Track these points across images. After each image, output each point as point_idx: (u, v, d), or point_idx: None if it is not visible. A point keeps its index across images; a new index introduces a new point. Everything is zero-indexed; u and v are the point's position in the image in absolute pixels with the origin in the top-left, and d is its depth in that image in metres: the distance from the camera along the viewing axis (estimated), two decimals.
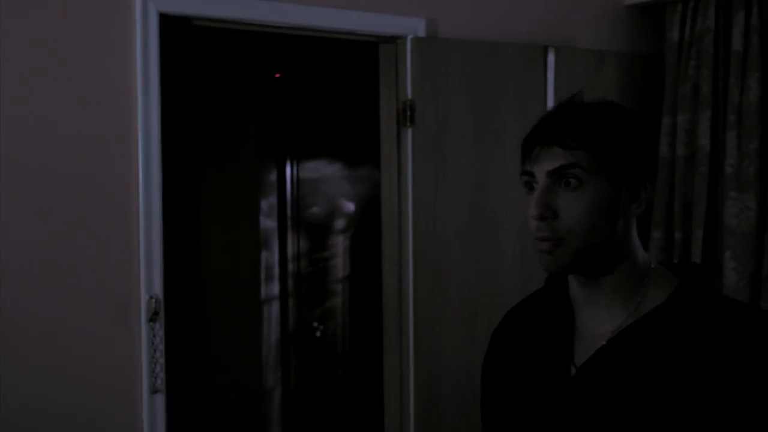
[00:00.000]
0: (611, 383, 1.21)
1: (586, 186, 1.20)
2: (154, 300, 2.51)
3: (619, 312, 1.26)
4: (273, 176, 4.49)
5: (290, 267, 4.53)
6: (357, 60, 3.62)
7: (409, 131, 2.96)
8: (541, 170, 1.23)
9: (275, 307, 4.49)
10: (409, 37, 2.94)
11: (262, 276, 4.43)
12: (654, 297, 1.25)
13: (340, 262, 4.65)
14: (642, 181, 1.25)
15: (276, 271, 4.49)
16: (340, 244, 4.66)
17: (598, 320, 1.27)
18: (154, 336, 2.51)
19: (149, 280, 2.51)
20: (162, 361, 2.53)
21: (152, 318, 2.51)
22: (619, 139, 1.22)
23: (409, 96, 2.95)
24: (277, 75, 4.45)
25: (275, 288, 4.49)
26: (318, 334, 4.59)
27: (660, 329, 1.21)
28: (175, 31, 2.62)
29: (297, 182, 4.54)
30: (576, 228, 1.21)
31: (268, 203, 4.47)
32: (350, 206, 4.64)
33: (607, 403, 1.20)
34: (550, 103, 3.10)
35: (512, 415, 1.33)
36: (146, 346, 2.51)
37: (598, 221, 1.21)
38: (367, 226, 4.11)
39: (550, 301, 1.36)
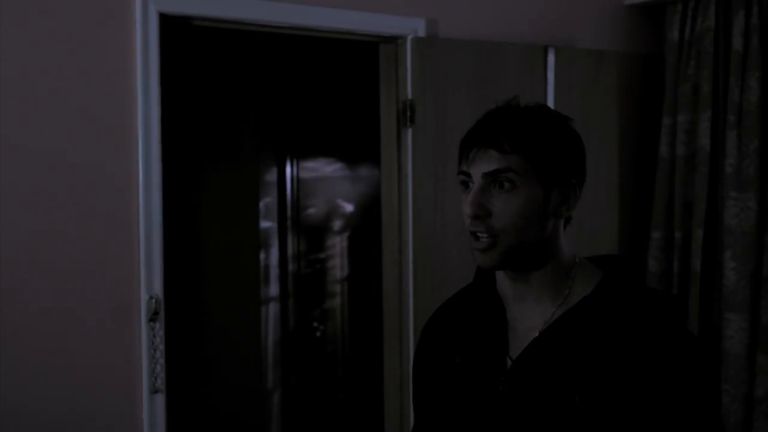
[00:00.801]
0: (547, 372, 1.29)
1: (519, 188, 1.28)
2: (154, 300, 2.51)
3: (548, 305, 1.34)
4: (273, 176, 4.50)
5: (290, 267, 4.53)
6: (357, 60, 3.62)
7: (409, 131, 2.96)
8: (477, 171, 1.30)
9: (275, 307, 4.49)
10: (409, 37, 2.94)
11: (262, 276, 4.44)
12: (580, 289, 1.34)
13: (339, 262, 4.65)
14: (572, 184, 1.33)
15: (276, 270, 4.49)
16: (339, 244, 4.66)
17: (529, 313, 1.35)
18: (154, 336, 2.51)
19: (149, 280, 2.51)
20: (162, 361, 2.53)
21: (152, 318, 2.51)
22: (552, 145, 1.30)
23: (409, 96, 2.95)
24: (277, 75, 4.45)
25: (275, 288, 4.49)
26: (318, 334, 4.60)
27: (588, 318, 1.30)
28: (175, 30, 2.62)
29: (297, 182, 4.54)
30: (509, 226, 1.29)
31: (267, 203, 4.47)
32: (350, 206, 4.64)
33: (545, 390, 1.28)
34: (550, 103, 3.09)
35: (449, 409, 1.38)
36: (146, 346, 2.51)
37: (529, 221, 1.29)
38: (367, 226, 4.11)
39: (479, 297, 1.43)
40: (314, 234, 4.60)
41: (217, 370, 4.18)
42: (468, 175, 1.32)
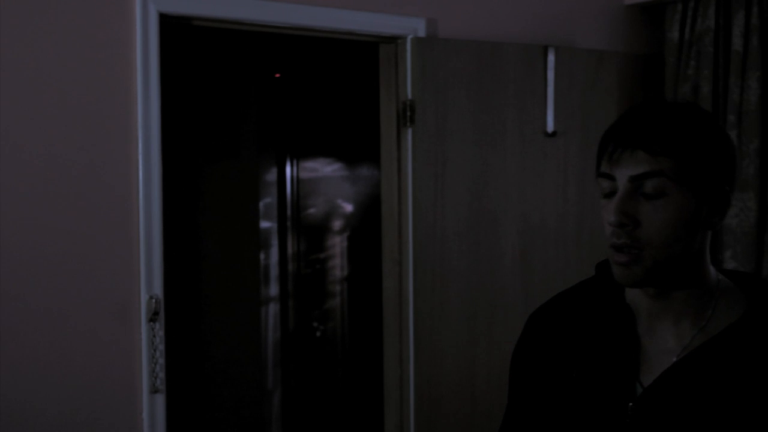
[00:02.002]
0: (683, 405, 1.15)
1: (671, 195, 1.14)
2: (154, 300, 2.51)
3: (687, 328, 1.19)
4: (273, 176, 4.50)
5: (290, 267, 4.53)
6: (357, 60, 3.62)
7: (409, 131, 2.96)
8: (623, 175, 1.15)
9: (275, 307, 4.49)
10: (409, 37, 2.94)
11: (262, 276, 4.44)
12: (725, 314, 1.19)
13: (339, 262, 4.65)
14: (725, 192, 1.18)
15: (276, 271, 4.49)
16: (339, 244, 4.66)
17: (664, 334, 1.21)
18: (153, 336, 2.51)
19: (149, 280, 2.51)
20: (162, 361, 2.53)
21: (152, 318, 2.51)
22: (706, 148, 1.16)
23: (409, 96, 2.95)
24: (277, 75, 4.46)
25: (275, 288, 4.49)
26: (318, 334, 4.60)
27: (734, 351, 1.15)
28: (175, 30, 2.62)
29: (297, 182, 4.54)
30: (656, 239, 1.14)
31: (267, 203, 4.47)
32: (350, 206, 4.64)
33: (679, 426, 1.14)
34: (550, 103, 3.09)
35: (560, 425, 1.25)
36: (146, 346, 2.51)
37: (679, 233, 1.15)
38: (367, 226, 4.11)
39: (604, 300, 1.27)
40: (314, 234, 4.60)
41: (217, 370, 4.18)
42: (611, 177, 1.17)
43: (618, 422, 1.18)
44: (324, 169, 4.63)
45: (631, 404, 1.18)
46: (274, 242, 4.48)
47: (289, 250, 4.52)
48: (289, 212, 4.52)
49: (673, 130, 1.15)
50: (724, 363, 1.15)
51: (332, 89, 4.48)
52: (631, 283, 1.18)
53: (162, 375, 2.53)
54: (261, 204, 4.43)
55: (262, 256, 4.42)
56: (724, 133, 1.20)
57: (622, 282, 1.18)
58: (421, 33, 2.98)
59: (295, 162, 4.53)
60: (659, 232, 1.14)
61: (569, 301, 1.33)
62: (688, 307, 1.20)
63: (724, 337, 1.16)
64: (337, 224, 4.65)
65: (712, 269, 1.23)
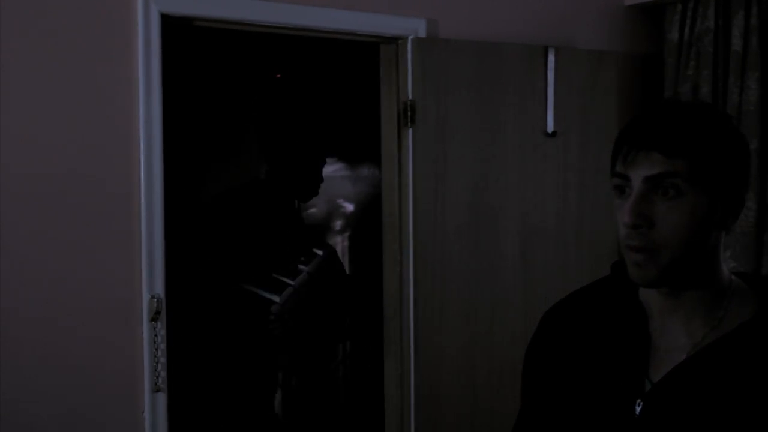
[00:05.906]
0: (689, 403, 1.15)
1: (685, 196, 1.14)
2: (155, 299, 2.52)
3: (698, 326, 1.20)
4: None
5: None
6: (357, 60, 3.63)
7: (410, 131, 2.96)
8: (637, 175, 1.15)
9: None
10: (410, 38, 2.95)
11: None
12: (737, 313, 1.19)
13: None
14: (739, 194, 1.20)
15: None
16: (340, 243, 4.66)
17: (675, 332, 1.21)
18: (155, 335, 2.52)
19: (151, 279, 2.52)
20: (164, 360, 2.54)
21: (154, 317, 2.51)
22: (720, 149, 1.16)
23: (410, 96, 2.95)
24: (278, 75, 4.46)
25: None
26: None
27: (745, 348, 1.16)
28: (176, 31, 2.63)
29: None
30: (671, 239, 1.15)
31: None
32: (351, 206, 4.65)
33: (687, 423, 1.15)
34: (550, 103, 3.10)
35: (569, 419, 1.26)
36: (148, 346, 2.52)
37: (694, 234, 1.15)
38: (368, 226, 4.12)
39: (618, 298, 1.28)
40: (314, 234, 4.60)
41: (218, 369, 4.18)
42: (626, 178, 1.17)
43: (627, 419, 1.18)
44: (325, 169, 4.63)
45: (639, 401, 1.18)
46: None
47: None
48: None
49: (689, 131, 1.15)
50: (734, 361, 1.15)
51: (333, 89, 4.48)
52: (646, 282, 1.18)
53: (164, 374, 2.54)
54: None
55: None
56: (740, 135, 1.21)
57: (637, 281, 1.19)
58: (422, 33, 2.98)
59: None
60: (674, 233, 1.14)
61: (583, 300, 1.34)
62: (700, 305, 1.20)
63: (735, 335, 1.17)
64: (337, 224, 4.65)
65: (725, 270, 1.23)
